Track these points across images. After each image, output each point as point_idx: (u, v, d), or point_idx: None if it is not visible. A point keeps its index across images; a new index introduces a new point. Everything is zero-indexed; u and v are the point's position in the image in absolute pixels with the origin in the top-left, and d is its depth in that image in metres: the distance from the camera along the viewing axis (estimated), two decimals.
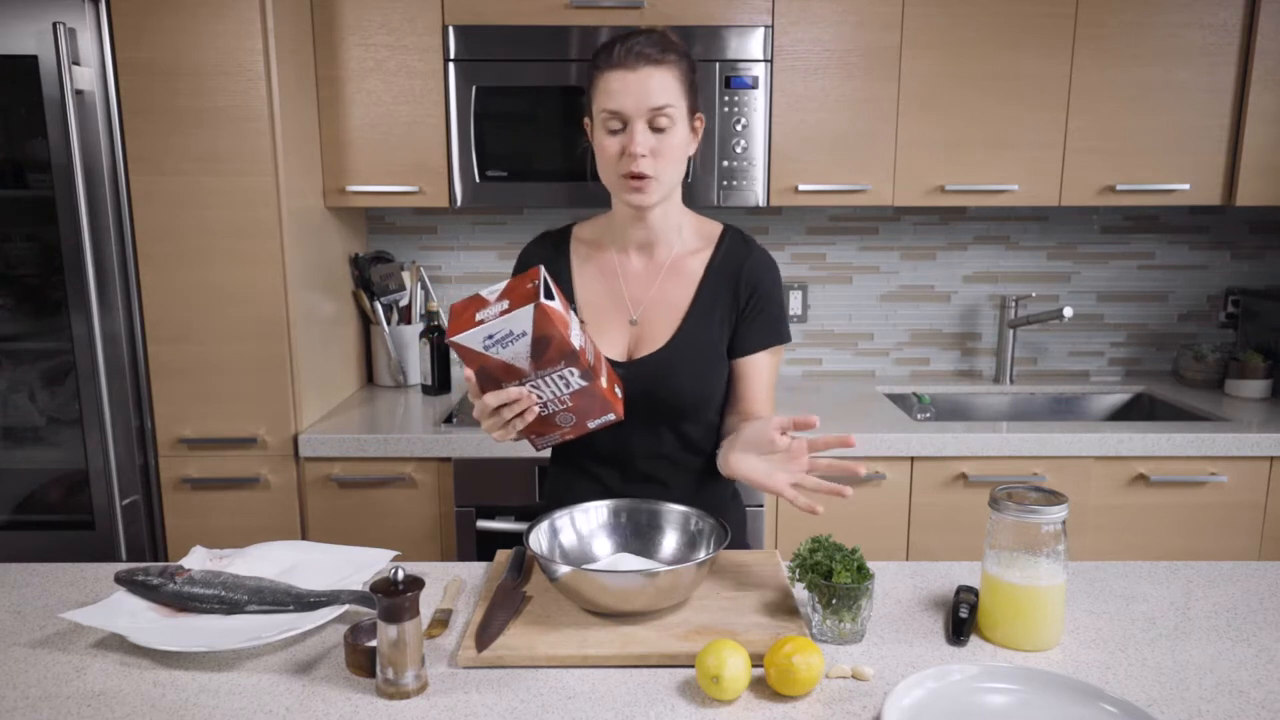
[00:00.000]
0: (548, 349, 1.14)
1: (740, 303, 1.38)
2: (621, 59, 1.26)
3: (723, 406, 1.44)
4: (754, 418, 1.33)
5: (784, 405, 2.38)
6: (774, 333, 1.40)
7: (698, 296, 1.38)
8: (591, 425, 1.24)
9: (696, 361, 1.36)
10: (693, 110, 1.32)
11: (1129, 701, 0.99)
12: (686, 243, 1.41)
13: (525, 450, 2.09)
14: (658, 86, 1.26)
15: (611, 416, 1.23)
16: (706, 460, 1.44)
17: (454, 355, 2.69)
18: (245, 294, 2.06)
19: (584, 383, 1.18)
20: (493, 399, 1.17)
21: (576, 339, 1.16)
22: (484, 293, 1.18)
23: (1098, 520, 2.18)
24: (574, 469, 1.48)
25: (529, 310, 1.11)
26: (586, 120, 1.36)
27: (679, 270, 1.39)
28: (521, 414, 1.19)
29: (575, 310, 1.35)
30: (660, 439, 1.40)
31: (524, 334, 1.13)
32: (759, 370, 1.39)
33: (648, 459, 1.42)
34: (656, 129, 1.28)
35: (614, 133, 1.28)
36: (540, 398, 1.19)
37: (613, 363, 1.36)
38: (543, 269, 1.17)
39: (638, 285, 1.40)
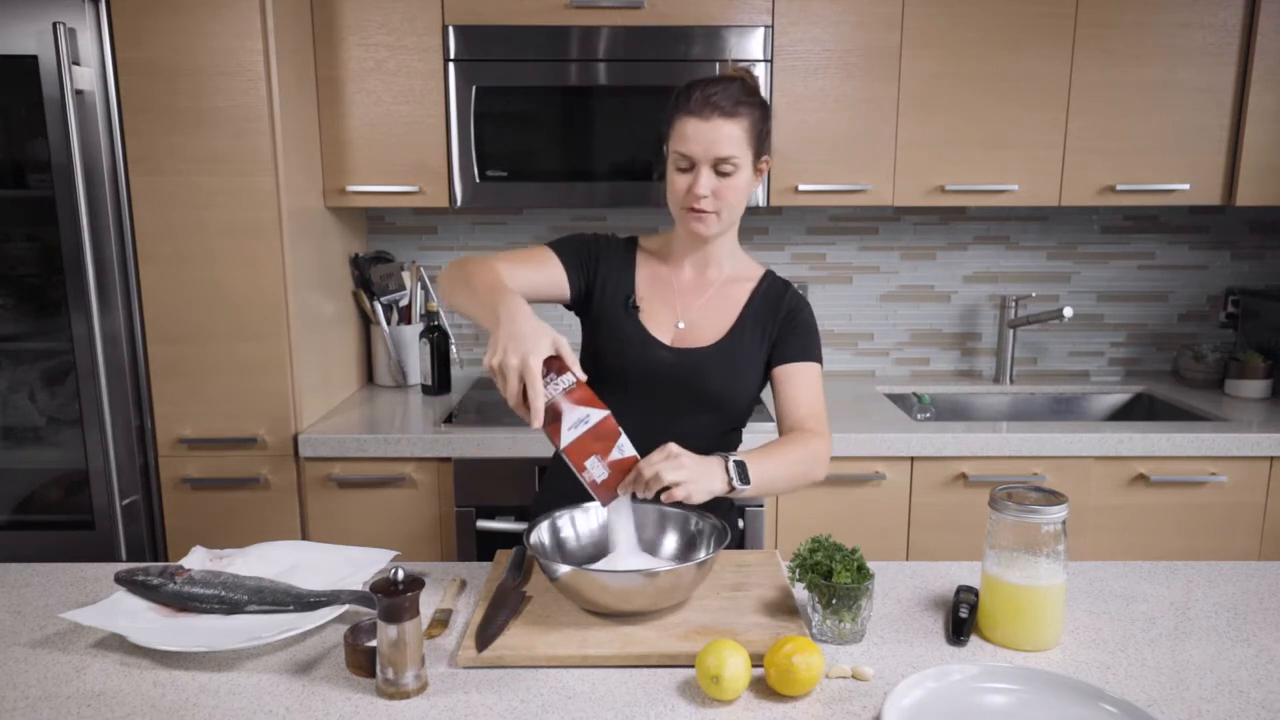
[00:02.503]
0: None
1: (779, 325, 1.50)
2: (697, 108, 1.36)
3: (750, 412, 1.55)
4: (795, 431, 1.42)
5: None
6: (810, 348, 1.50)
7: (742, 315, 1.49)
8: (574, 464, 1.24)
9: (734, 364, 1.46)
10: (758, 154, 1.42)
11: (1129, 701, 0.99)
12: (736, 271, 1.52)
13: (525, 450, 2.10)
14: (725, 138, 1.36)
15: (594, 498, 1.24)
16: None
17: (454, 355, 2.70)
18: (245, 294, 2.06)
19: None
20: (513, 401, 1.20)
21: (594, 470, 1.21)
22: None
23: (1098, 520, 2.18)
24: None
25: (586, 418, 1.20)
26: (665, 146, 1.44)
27: (727, 292, 1.51)
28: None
29: (635, 305, 1.48)
30: (682, 429, 1.41)
31: (586, 421, 1.20)
32: (798, 379, 1.47)
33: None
34: (721, 174, 1.38)
35: (683, 171, 1.39)
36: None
37: (660, 344, 1.45)
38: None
39: (688, 296, 1.50)
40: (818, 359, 1.50)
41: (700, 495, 1.20)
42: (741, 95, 1.37)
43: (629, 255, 1.53)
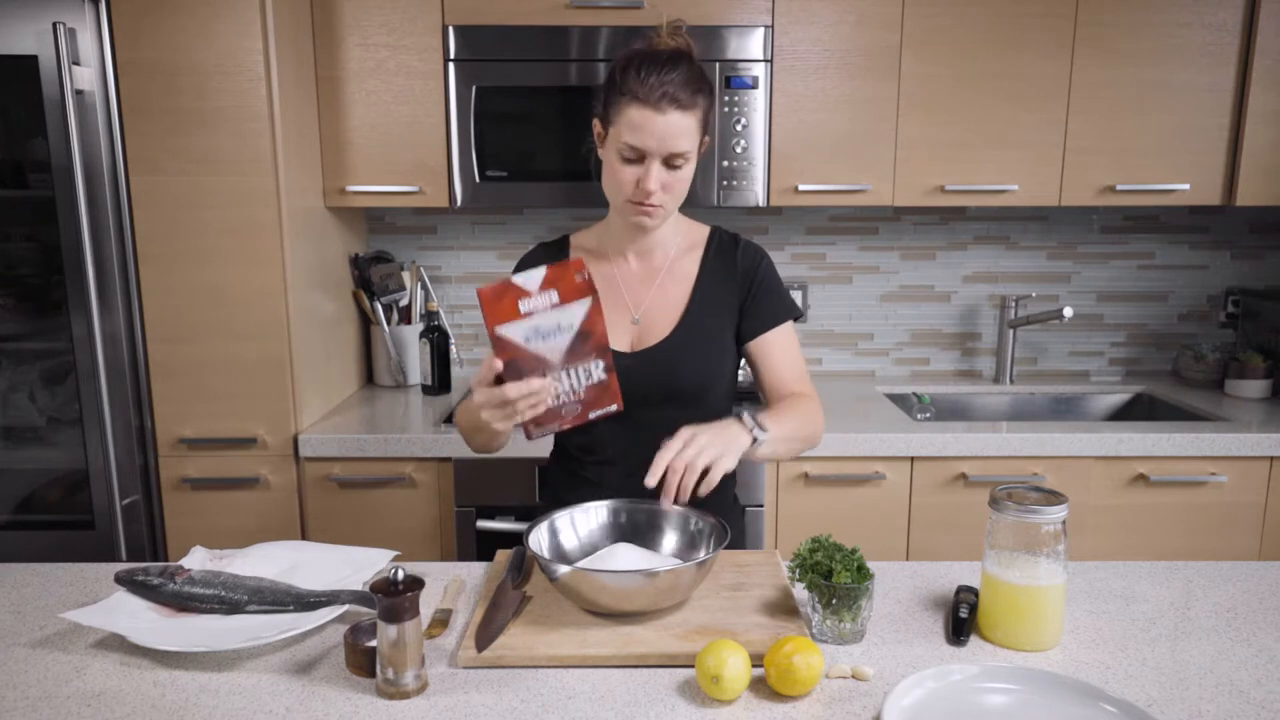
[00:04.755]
0: (587, 343, 1.15)
1: (741, 291, 1.44)
2: (650, 96, 1.26)
3: (732, 394, 1.50)
4: (787, 396, 1.40)
5: None
6: (781, 308, 1.45)
7: (695, 292, 1.43)
8: (592, 416, 1.24)
9: (698, 349, 1.41)
10: (703, 138, 1.36)
11: (1129, 701, 0.99)
12: (680, 245, 1.46)
13: (525, 450, 2.09)
14: (680, 132, 1.28)
15: (614, 407, 1.23)
16: None
17: (454, 355, 2.69)
18: (245, 294, 2.06)
19: (604, 376, 1.19)
20: (514, 390, 1.15)
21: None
22: (518, 280, 1.14)
23: (1098, 520, 2.18)
24: (573, 468, 1.49)
25: (585, 305, 1.13)
26: (597, 123, 1.37)
27: (675, 272, 1.44)
28: (534, 404, 1.18)
29: None
30: (663, 430, 1.40)
31: (570, 328, 1.14)
32: (776, 348, 1.44)
33: (650, 451, 1.42)
34: (671, 167, 1.31)
35: (629, 161, 1.30)
36: (558, 389, 1.19)
37: (618, 354, 1.39)
38: (584, 260, 1.18)
39: (637, 288, 1.44)
40: (789, 314, 1.45)
41: (732, 458, 1.19)
42: (695, 82, 1.29)
43: (561, 260, 1.46)
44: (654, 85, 1.26)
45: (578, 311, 1.13)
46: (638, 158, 1.29)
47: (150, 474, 2.13)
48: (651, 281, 1.44)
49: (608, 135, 1.33)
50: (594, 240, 1.48)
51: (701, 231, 1.49)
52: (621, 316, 1.43)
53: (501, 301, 1.14)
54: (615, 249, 1.45)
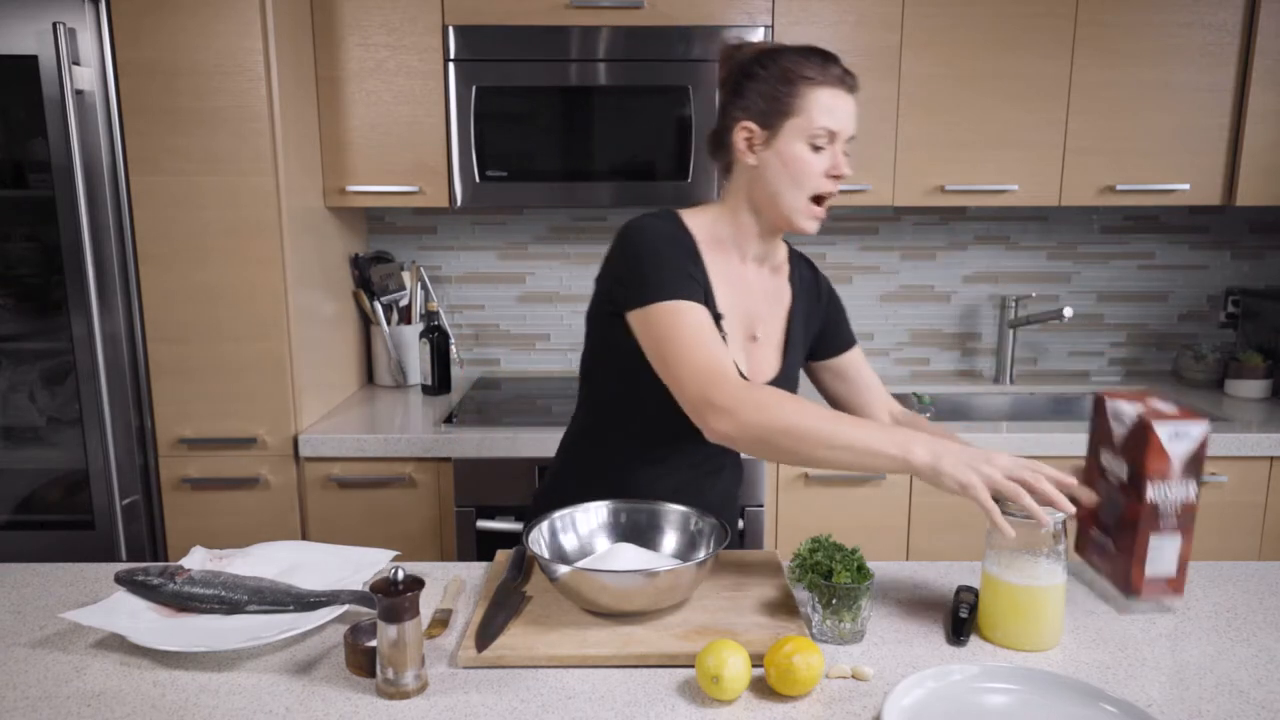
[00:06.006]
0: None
1: (822, 310, 1.48)
2: (840, 79, 1.26)
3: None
4: (895, 409, 1.52)
5: None
6: (851, 331, 1.53)
7: (792, 320, 1.43)
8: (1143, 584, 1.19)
9: (791, 387, 1.43)
10: None
11: (1129, 701, 0.99)
12: (780, 256, 1.46)
13: (525, 450, 2.10)
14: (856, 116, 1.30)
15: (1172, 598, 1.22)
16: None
17: (454, 355, 2.70)
18: (245, 294, 2.06)
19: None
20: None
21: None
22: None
23: None
24: (609, 469, 1.42)
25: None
26: (752, 127, 1.28)
27: (779, 288, 1.43)
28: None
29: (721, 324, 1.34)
30: (714, 458, 1.43)
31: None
32: (862, 363, 1.52)
33: (705, 468, 1.44)
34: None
35: (819, 149, 1.26)
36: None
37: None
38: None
39: (756, 300, 1.38)
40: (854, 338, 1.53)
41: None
42: None
43: (694, 246, 1.30)
44: (837, 70, 1.26)
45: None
46: (829, 141, 1.26)
47: (150, 474, 2.13)
48: (763, 295, 1.38)
49: (780, 131, 1.26)
50: (711, 232, 1.34)
51: (783, 247, 1.45)
52: (743, 330, 1.35)
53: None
54: (739, 251, 1.35)
